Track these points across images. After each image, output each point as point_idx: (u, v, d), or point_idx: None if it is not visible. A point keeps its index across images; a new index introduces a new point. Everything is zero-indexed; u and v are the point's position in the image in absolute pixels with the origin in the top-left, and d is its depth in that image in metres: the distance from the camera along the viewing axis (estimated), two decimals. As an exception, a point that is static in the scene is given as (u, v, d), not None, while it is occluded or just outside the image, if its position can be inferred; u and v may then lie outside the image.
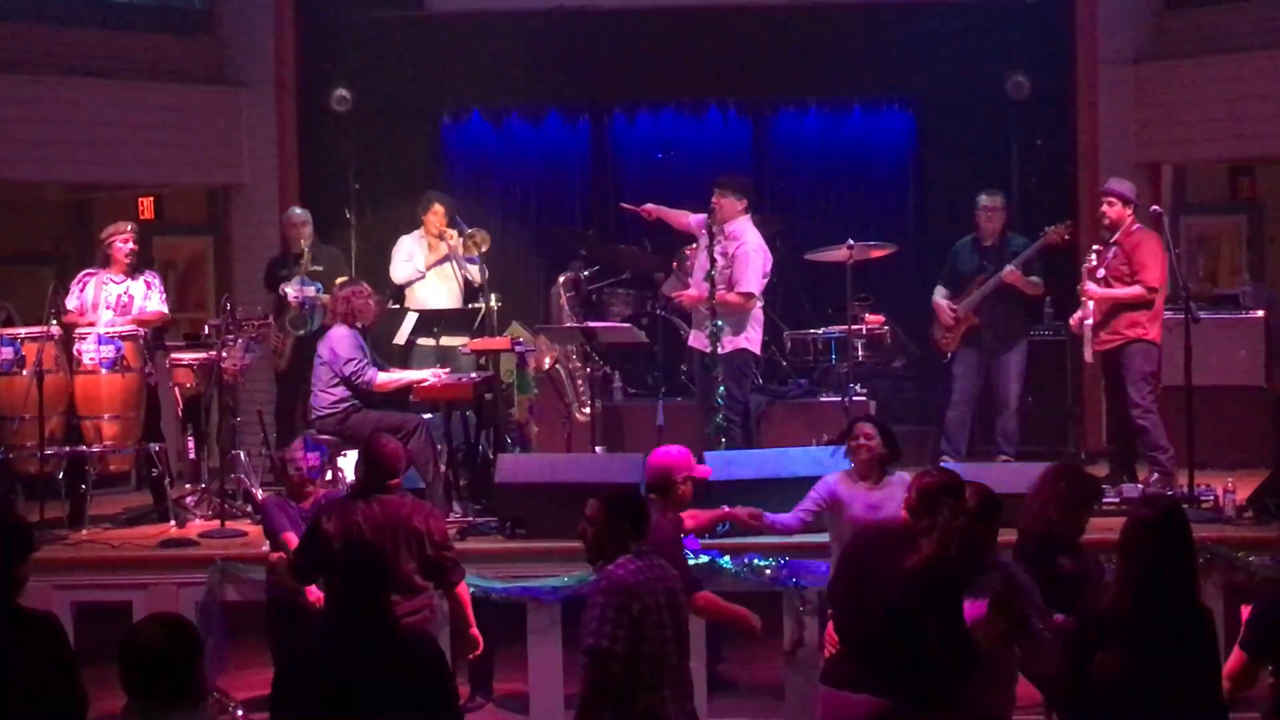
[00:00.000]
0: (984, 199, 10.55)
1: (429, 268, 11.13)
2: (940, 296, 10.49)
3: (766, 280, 10.09)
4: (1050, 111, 12.47)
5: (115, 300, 9.77)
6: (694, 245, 10.65)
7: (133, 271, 9.88)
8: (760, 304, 10.07)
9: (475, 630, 7.33)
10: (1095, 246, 9.84)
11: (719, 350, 9.77)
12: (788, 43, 12.72)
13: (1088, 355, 9.71)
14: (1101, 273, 9.56)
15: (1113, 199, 9.61)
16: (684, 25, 12.88)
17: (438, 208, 11.15)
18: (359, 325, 9.56)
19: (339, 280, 10.51)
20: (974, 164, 12.56)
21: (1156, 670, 5.24)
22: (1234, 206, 12.75)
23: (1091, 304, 9.55)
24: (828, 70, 12.87)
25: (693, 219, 10.24)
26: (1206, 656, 5.39)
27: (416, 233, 11.22)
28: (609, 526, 5.83)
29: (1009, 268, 10.19)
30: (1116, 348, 9.57)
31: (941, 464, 9.92)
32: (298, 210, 11.32)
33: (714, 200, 9.87)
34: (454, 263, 11.01)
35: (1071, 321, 9.88)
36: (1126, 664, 5.23)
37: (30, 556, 5.57)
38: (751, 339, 9.99)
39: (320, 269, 10.93)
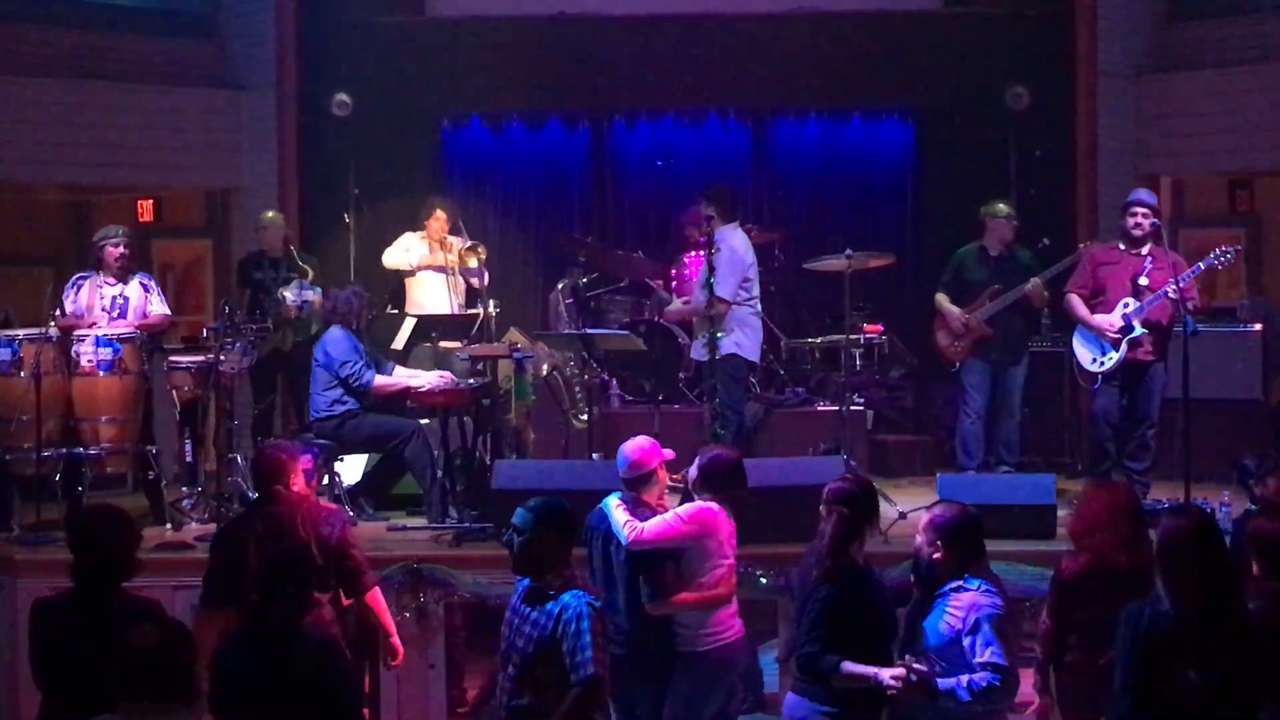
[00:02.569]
0: (1002, 208, 10.52)
1: (419, 266, 11.16)
2: (947, 304, 10.43)
3: (749, 283, 10.03)
4: (1049, 123, 12.49)
5: (111, 303, 9.78)
6: (693, 254, 10.71)
7: (125, 275, 9.89)
8: (755, 311, 10.07)
9: (396, 639, 7.38)
10: (1104, 259, 9.74)
11: (702, 357, 9.83)
12: (788, 51, 12.75)
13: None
14: (1146, 282, 9.46)
15: (1148, 210, 9.57)
16: (684, 33, 12.89)
17: (439, 214, 11.20)
18: (354, 326, 9.57)
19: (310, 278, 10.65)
20: (973, 175, 12.58)
21: (1230, 679, 5.19)
22: (1232, 219, 12.76)
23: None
24: (827, 79, 12.90)
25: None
26: (1253, 662, 5.35)
27: (420, 233, 11.28)
28: (544, 537, 5.92)
29: (1035, 280, 10.10)
30: (1150, 363, 9.56)
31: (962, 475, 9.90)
32: (270, 213, 11.30)
33: (700, 210, 9.97)
34: (451, 272, 11.03)
35: (1123, 321, 9.55)
36: (1204, 679, 5.17)
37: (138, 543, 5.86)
38: (743, 345, 9.96)
39: (295, 274, 10.91)
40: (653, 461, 7.09)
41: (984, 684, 5.77)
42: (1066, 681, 6.50)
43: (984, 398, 10.33)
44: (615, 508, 6.88)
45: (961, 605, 5.90)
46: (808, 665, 5.96)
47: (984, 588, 5.94)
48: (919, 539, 6.11)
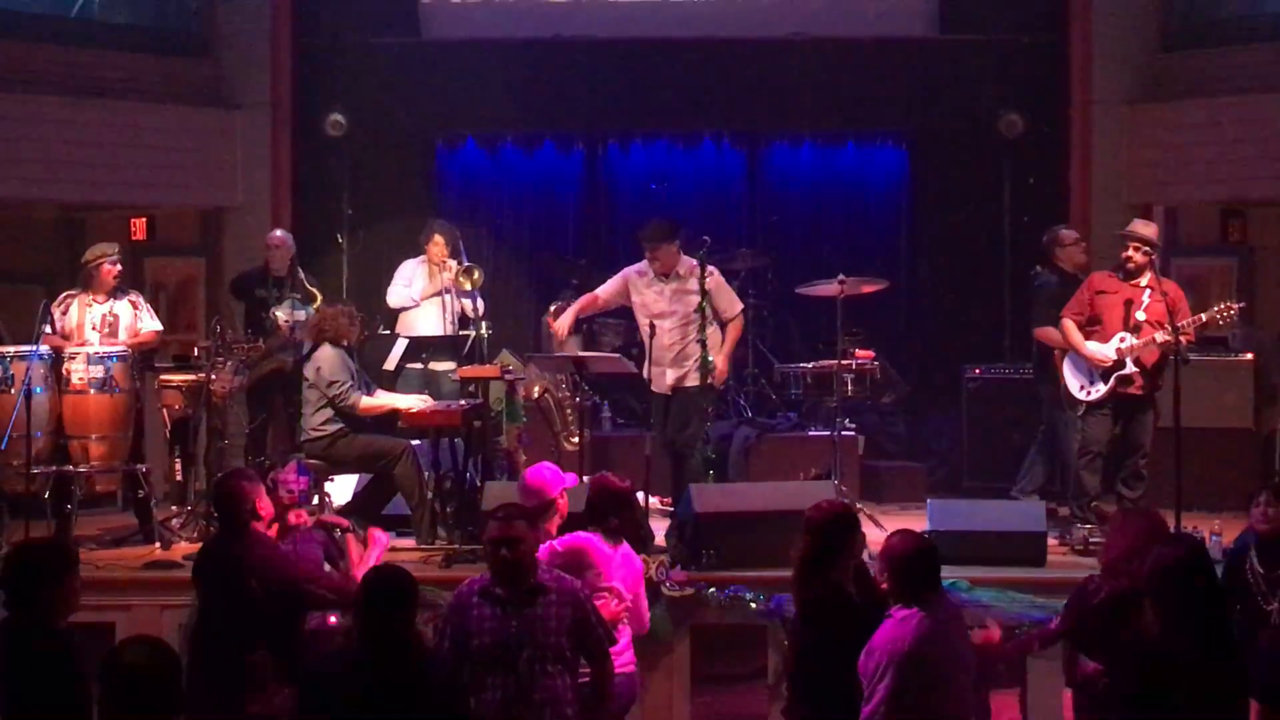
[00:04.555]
0: (1076, 234, 10.48)
1: (423, 298, 11.15)
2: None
3: None
4: (1043, 150, 12.52)
5: (100, 321, 9.77)
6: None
7: (115, 293, 9.88)
8: None
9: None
10: (1101, 287, 9.67)
11: (691, 384, 9.74)
12: (782, 76, 12.77)
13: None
14: (1143, 316, 9.41)
15: (1138, 243, 9.53)
16: (679, 56, 12.92)
17: (439, 238, 11.18)
18: (345, 345, 9.56)
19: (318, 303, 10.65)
20: (967, 201, 12.65)
21: (1213, 713, 5.18)
22: (1224, 249, 12.76)
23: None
24: (822, 104, 12.92)
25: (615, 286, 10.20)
26: (1243, 693, 5.35)
27: (419, 258, 11.26)
28: (524, 541, 6.11)
29: None
30: (1141, 398, 9.51)
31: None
32: (279, 232, 11.32)
33: (653, 253, 9.80)
34: (449, 295, 11.02)
35: (1117, 356, 9.39)
36: (1184, 708, 5.16)
37: (65, 579, 5.60)
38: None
39: (298, 295, 10.91)
40: (551, 491, 7.05)
41: None
42: (1084, 702, 6.49)
43: None
44: None
45: (877, 636, 5.79)
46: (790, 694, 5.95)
47: (904, 616, 5.76)
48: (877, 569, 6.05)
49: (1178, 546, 5.55)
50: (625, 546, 6.97)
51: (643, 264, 9.94)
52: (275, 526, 7.32)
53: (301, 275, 11.04)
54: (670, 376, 9.85)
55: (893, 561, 5.85)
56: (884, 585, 5.90)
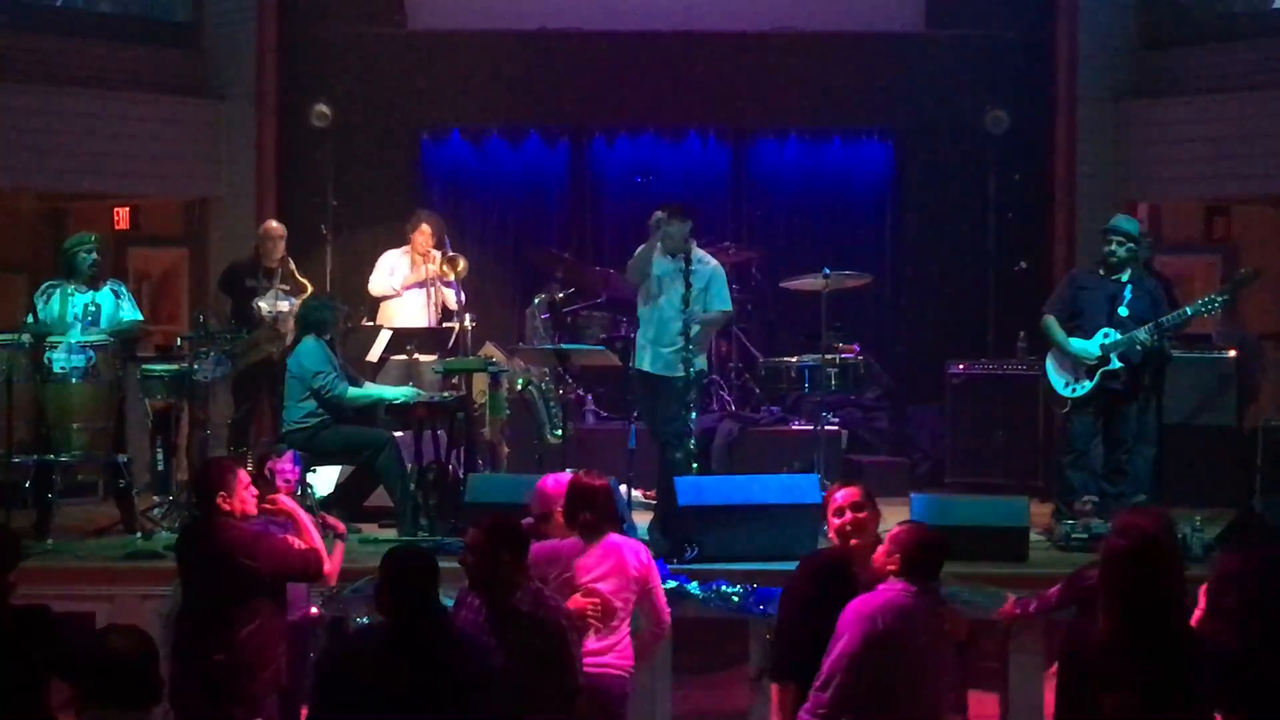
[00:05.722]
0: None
1: (404, 288, 11.16)
2: None
3: None
4: (1028, 146, 12.53)
5: (83, 311, 9.74)
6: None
7: (95, 282, 9.85)
8: None
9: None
10: (1083, 283, 9.66)
11: (674, 375, 9.62)
12: (769, 70, 12.78)
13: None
14: (1126, 312, 9.41)
15: (1122, 238, 9.54)
16: (666, 50, 12.92)
17: (425, 227, 11.19)
18: (326, 336, 9.55)
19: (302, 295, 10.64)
20: (951, 197, 12.66)
21: (1163, 704, 5.10)
22: (1209, 246, 12.81)
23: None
24: (808, 99, 12.93)
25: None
26: (1199, 683, 5.24)
27: (402, 249, 11.26)
28: (491, 554, 5.86)
29: None
30: (1124, 394, 9.45)
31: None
32: (275, 223, 11.30)
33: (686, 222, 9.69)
34: (434, 287, 11.02)
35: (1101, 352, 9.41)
36: (1135, 703, 5.08)
37: (14, 565, 5.66)
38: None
39: (287, 288, 10.89)
40: (554, 504, 6.89)
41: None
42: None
43: None
44: None
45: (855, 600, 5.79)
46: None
47: (887, 587, 5.75)
48: (879, 550, 5.96)
49: (1127, 537, 5.41)
50: (610, 540, 6.72)
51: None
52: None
53: (292, 266, 11.02)
54: (658, 354, 9.61)
55: (898, 543, 5.84)
56: (891, 568, 5.81)
